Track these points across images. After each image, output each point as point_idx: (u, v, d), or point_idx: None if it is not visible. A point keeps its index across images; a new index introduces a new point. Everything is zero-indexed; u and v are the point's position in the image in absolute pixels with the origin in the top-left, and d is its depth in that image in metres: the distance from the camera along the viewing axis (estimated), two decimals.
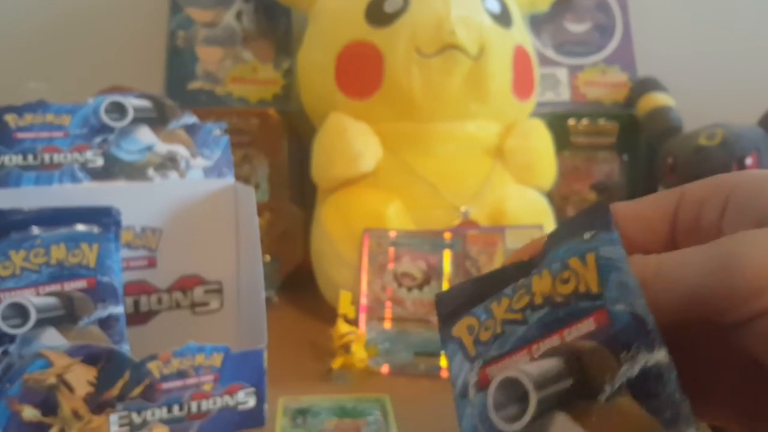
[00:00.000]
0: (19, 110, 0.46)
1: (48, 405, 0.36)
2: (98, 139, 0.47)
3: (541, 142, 0.69)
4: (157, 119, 0.49)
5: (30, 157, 0.46)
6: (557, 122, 0.76)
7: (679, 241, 0.23)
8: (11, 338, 0.38)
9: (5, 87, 0.77)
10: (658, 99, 0.77)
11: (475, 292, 0.23)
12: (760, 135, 0.70)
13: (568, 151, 0.78)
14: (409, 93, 0.64)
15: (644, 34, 0.84)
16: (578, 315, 0.21)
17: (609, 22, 0.84)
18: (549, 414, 0.20)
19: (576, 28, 0.83)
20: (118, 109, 0.48)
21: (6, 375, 0.36)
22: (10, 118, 0.46)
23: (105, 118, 0.48)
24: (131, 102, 0.49)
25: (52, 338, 0.39)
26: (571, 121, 0.79)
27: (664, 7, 0.87)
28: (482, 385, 0.22)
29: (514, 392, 0.21)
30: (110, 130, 0.48)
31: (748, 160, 0.67)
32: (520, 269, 0.23)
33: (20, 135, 0.46)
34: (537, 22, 0.82)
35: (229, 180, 0.50)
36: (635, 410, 0.19)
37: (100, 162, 0.47)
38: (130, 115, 0.48)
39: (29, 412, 0.36)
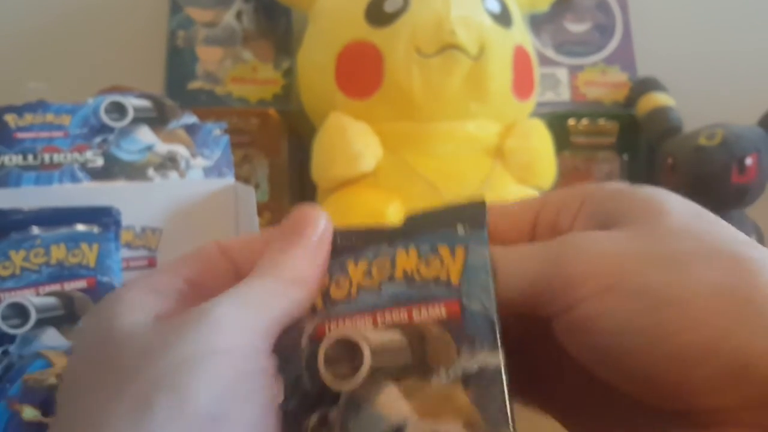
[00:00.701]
0: (19, 110, 0.46)
1: (48, 405, 0.36)
2: (98, 139, 0.47)
3: (541, 142, 0.69)
4: (157, 119, 0.49)
5: (30, 157, 0.46)
6: (557, 122, 0.76)
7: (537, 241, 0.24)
8: (11, 338, 0.38)
9: (5, 87, 0.77)
10: (658, 99, 0.77)
11: (345, 242, 0.24)
12: (760, 135, 0.70)
13: (568, 151, 0.78)
14: (409, 93, 0.64)
15: (644, 34, 0.84)
16: (431, 299, 0.21)
17: (609, 22, 0.84)
18: (379, 383, 0.21)
19: (576, 28, 0.83)
20: (118, 109, 0.48)
21: (6, 375, 0.36)
22: (10, 118, 0.46)
23: (105, 118, 0.48)
24: (131, 102, 0.49)
25: (52, 338, 0.39)
26: (571, 121, 0.79)
27: (664, 7, 0.86)
28: (316, 337, 0.22)
29: (349, 353, 0.21)
30: (110, 130, 0.48)
31: (748, 161, 0.67)
32: (392, 234, 0.24)
33: (20, 135, 0.46)
34: (537, 22, 0.82)
35: (229, 180, 0.50)
36: (463, 401, 0.20)
37: (100, 162, 0.47)
38: (130, 115, 0.48)
39: (29, 413, 0.36)
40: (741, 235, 0.22)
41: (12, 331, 0.38)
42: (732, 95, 0.81)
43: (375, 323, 0.22)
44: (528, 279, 0.21)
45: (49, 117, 0.47)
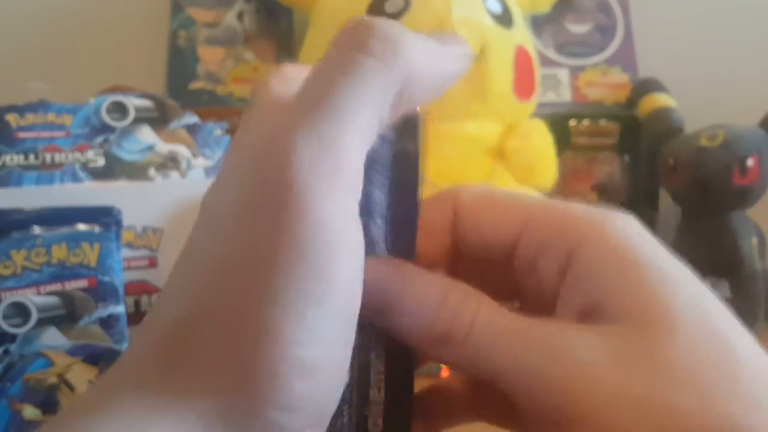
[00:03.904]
0: (21, 110, 0.46)
1: (49, 404, 0.36)
2: (99, 139, 0.47)
3: (542, 142, 0.69)
4: (159, 119, 0.49)
5: (31, 157, 0.46)
6: (558, 123, 0.76)
7: (517, 271, 0.22)
8: (12, 337, 0.38)
9: (7, 87, 0.77)
10: (660, 100, 0.77)
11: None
12: (761, 136, 0.69)
13: (569, 152, 0.78)
14: None
15: (645, 35, 0.84)
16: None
17: (610, 23, 0.84)
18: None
19: (577, 28, 0.83)
20: (120, 109, 0.48)
21: (7, 374, 0.36)
22: (12, 118, 0.46)
23: (106, 118, 0.48)
24: (132, 102, 0.49)
25: (53, 338, 0.39)
26: (572, 122, 0.79)
27: (665, 8, 0.86)
28: None
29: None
30: (111, 129, 0.48)
31: (750, 162, 0.67)
32: None
33: (22, 135, 0.46)
34: (538, 23, 0.82)
35: None
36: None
37: (101, 162, 0.47)
38: (132, 115, 0.48)
39: (30, 412, 0.36)
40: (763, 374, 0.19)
41: (13, 331, 0.38)
42: (733, 96, 0.81)
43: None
44: (495, 367, 0.20)
45: (51, 117, 0.47)
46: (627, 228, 0.20)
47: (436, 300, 0.20)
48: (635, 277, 0.19)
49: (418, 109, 0.22)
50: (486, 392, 0.22)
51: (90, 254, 0.41)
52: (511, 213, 0.22)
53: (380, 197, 0.21)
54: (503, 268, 0.22)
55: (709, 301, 0.20)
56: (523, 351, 0.19)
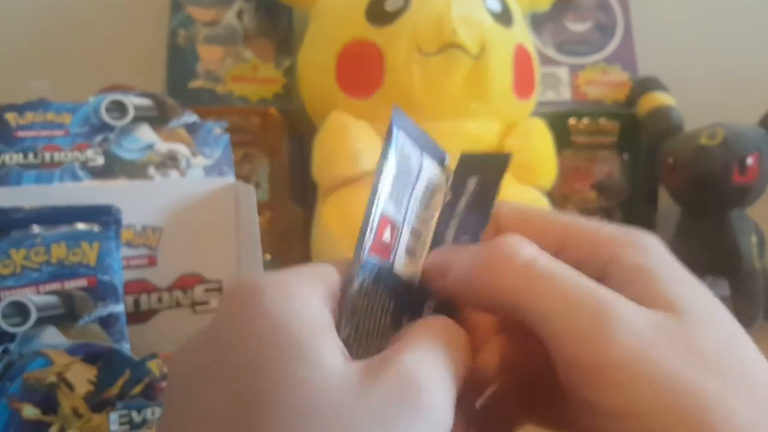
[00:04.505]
0: (20, 109, 0.46)
1: (48, 403, 0.36)
2: (99, 138, 0.47)
3: (541, 141, 0.69)
4: (158, 118, 0.49)
5: (31, 156, 0.46)
6: (558, 121, 0.76)
7: None
8: (11, 337, 0.38)
9: (6, 85, 0.77)
10: (659, 98, 0.77)
11: None
12: (761, 135, 0.69)
13: (569, 151, 0.78)
14: (410, 92, 0.64)
15: (645, 34, 0.84)
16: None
17: (610, 22, 0.84)
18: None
19: (577, 27, 0.83)
20: (119, 108, 0.48)
21: (6, 373, 0.36)
22: (11, 117, 0.46)
23: (105, 117, 0.48)
24: (132, 100, 0.49)
25: (52, 337, 0.39)
26: (572, 121, 0.79)
27: (665, 7, 0.86)
28: None
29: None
30: (111, 128, 0.48)
31: (749, 160, 0.67)
32: None
33: (21, 133, 0.46)
34: (538, 21, 0.82)
35: (230, 179, 0.50)
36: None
37: (100, 161, 0.47)
38: (131, 113, 0.48)
39: (29, 411, 0.36)
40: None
41: (12, 330, 0.38)
42: (733, 95, 0.81)
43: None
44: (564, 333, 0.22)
45: (50, 115, 0.47)
46: (650, 247, 0.24)
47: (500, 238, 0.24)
48: (660, 286, 0.22)
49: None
50: (537, 391, 0.25)
51: (89, 253, 0.41)
52: (549, 233, 0.25)
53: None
54: None
55: (717, 304, 0.23)
56: (577, 298, 0.22)
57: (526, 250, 0.23)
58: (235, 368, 0.19)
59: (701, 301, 0.22)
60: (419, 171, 0.26)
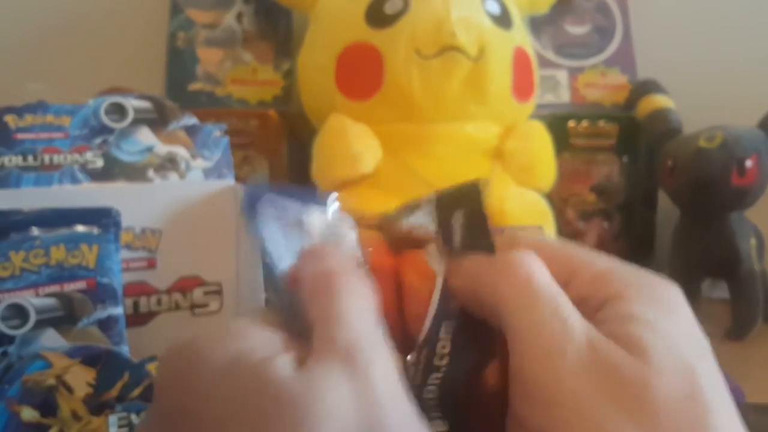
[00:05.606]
0: (19, 111, 0.46)
1: (47, 406, 0.36)
2: (98, 140, 0.47)
3: (540, 144, 0.69)
4: (157, 120, 0.49)
5: (30, 158, 0.46)
6: (557, 124, 0.76)
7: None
8: (10, 339, 0.38)
9: (5, 87, 0.77)
10: (658, 101, 0.77)
11: None
12: (760, 137, 0.70)
13: (568, 153, 0.78)
14: (409, 94, 0.64)
15: (644, 37, 0.84)
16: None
17: (609, 25, 0.84)
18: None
19: (576, 30, 0.83)
20: (118, 110, 0.48)
21: (5, 376, 0.36)
22: (10, 119, 0.46)
23: (105, 119, 0.48)
24: (131, 103, 0.49)
25: (51, 339, 0.39)
26: (571, 123, 0.79)
27: (664, 10, 0.87)
28: None
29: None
30: (110, 131, 0.48)
31: (748, 163, 0.67)
32: None
33: (20, 136, 0.46)
34: (537, 24, 0.82)
35: (229, 181, 0.50)
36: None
37: (99, 163, 0.47)
38: (130, 116, 0.48)
39: (28, 413, 0.36)
40: None
41: (11, 332, 0.38)
42: (732, 97, 0.81)
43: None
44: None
45: (49, 118, 0.47)
46: (663, 298, 0.25)
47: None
48: (639, 330, 0.23)
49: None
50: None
51: (88, 256, 0.41)
52: (559, 267, 0.26)
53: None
54: None
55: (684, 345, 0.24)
56: (548, 319, 0.24)
57: (534, 267, 0.25)
58: None
59: (678, 355, 0.23)
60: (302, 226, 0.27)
